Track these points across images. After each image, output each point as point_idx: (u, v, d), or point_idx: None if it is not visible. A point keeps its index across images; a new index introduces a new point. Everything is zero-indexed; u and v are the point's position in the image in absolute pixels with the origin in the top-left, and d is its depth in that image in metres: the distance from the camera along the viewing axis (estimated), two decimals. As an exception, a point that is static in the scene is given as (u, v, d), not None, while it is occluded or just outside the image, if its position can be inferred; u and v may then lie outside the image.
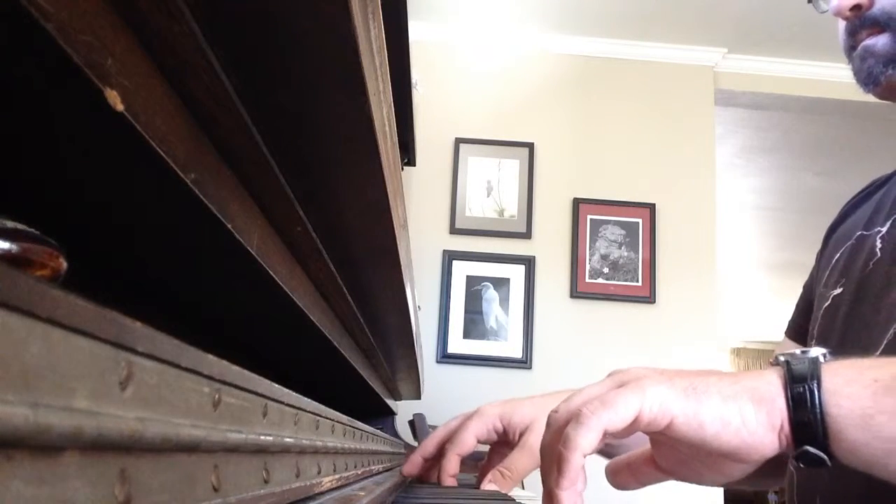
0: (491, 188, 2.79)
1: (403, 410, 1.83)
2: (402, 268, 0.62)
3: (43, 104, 0.24)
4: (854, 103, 2.88)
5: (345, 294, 0.64)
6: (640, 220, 2.76)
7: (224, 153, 0.35)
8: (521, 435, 0.83)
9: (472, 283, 2.69)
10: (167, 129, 0.27)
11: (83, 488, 0.14)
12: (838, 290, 0.72)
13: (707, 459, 0.47)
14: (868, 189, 0.82)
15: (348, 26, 0.27)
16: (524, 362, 2.63)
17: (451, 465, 0.83)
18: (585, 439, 0.44)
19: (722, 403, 0.44)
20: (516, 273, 2.70)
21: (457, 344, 2.65)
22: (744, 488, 0.86)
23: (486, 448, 0.92)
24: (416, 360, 1.22)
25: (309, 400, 0.41)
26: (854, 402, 0.43)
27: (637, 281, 2.71)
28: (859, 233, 0.74)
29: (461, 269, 2.70)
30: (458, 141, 2.82)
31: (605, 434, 0.45)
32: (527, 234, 2.75)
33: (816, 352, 0.46)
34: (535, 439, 0.82)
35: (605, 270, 2.72)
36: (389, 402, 1.52)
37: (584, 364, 2.60)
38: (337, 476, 0.49)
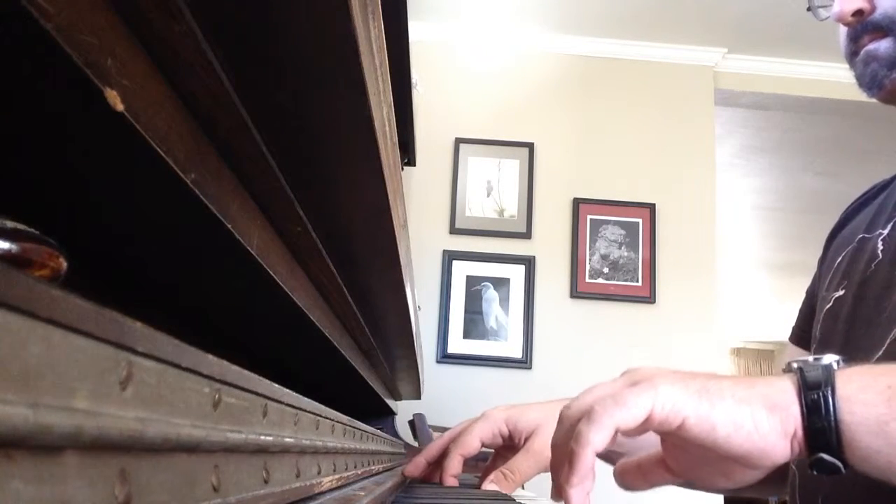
0: (491, 188, 2.79)
1: (403, 410, 1.83)
2: (402, 268, 0.62)
3: (43, 104, 0.24)
4: (854, 103, 2.88)
5: (345, 294, 0.64)
6: (640, 220, 2.76)
7: (224, 153, 0.35)
8: (526, 439, 0.83)
9: (472, 283, 2.69)
10: (167, 129, 0.27)
11: (83, 488, 0.14)
12: (840, 293, 0.72)
13: (717, 463, 0.47)
14: (869, 193, 0.82)
15: (348, 26, 0.27)
16: (524, 362, 2.63)
17: (454, 464, 0.83)
18: (598, 436, 0.44)
19: (735, 407, 0.44)
20: (516, 273, 2.70)
21: (457, 344, 2.65)
22: (747, 496, 0.86)
23: (492, 451, 0.92)
24: (416, 360, 1.22)
25: (309, 400, 0.41)
26: (868, 409, 0.43)
27: (637, 281, 2.71)
28: (861, 236, 0.74)
29: (461, 269, 2.70)
30: (458, 141, 2.82)
31: (617, 432, 0.45)
32: (527, 234, 2.75)
33: (830, 359, 0.46)
34: (539, 444, 0.82)
35: (605, 270, 2.72)
36: (389, 402, 1.52)
37: (584, 364, 2.60)
38: (337, 476, 0.49)
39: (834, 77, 2.90)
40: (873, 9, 0.69)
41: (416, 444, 1.73)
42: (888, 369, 0.45)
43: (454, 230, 2.74)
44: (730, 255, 5.43)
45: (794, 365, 0.46)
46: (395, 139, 0.46)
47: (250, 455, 0.27)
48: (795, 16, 2.59)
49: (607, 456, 0.76)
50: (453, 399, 2.57)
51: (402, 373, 1.35)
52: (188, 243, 0.39)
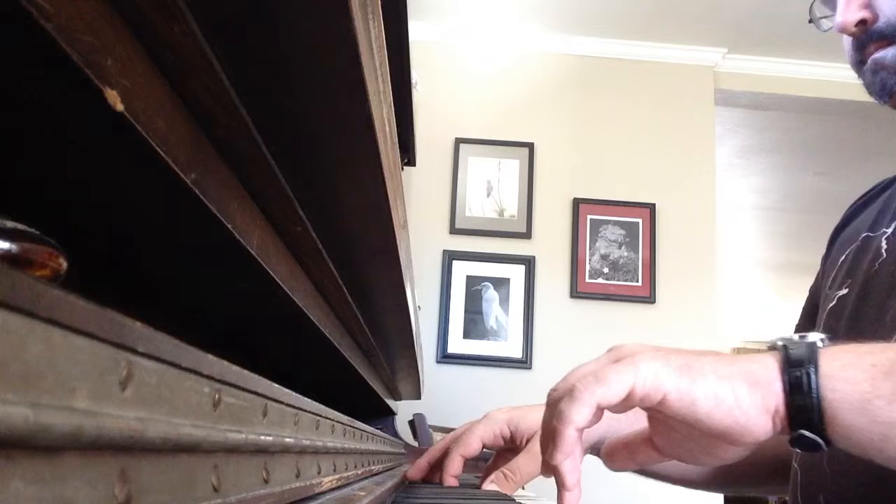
0: (491, 188, 2.79)
1: (403, 410, 1.83)
2: (402, 268, 0.62)
3: (43, 104, 0.24)
4: (854, 103, 2.88)
5: (345, 294, 0.64)
6: (640, 220, 2.76)
7: (224, 153, 0.35)
8: (527, 441, 0.83)
9: (472, 283, 2.69)
10: (167, 129, 0.27)
11: (83, 488, 0.14)
12: (843, 291, 0.72)
13: (701, 440, 0.47)
14: (872, 192, 0.82)
15: (348, 26, 0.27)
16: (524, 362, 2.63)
17: (454, 465, 0.83)
18: (579, 414, 0.45)
19: (716, 382, 0.44)
20: (516, 273, 2.70)
21: (457, 344, 2.65)
22: (749, 495, 0.86)
23: (493, 452, 0.92)
24: (416, 360, 1.22)
25: (309, 400, 0.41)
26: (851, 387, 0.43)
27: (637, 281, 2.71)
28: (865, 234, 0.74)
29: (461, 269, 2.70)
30: (458, 141, 2.82)
31: (599, 408, 0.45)
32: (527, 234, 2.75)
33: (814, 336, 0.46)
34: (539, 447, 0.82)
35: (605, 270, 2.72)
36: (389, 402, 1.52)
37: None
38: (337, 476, 0.49)
39: (834, 77, 2.90)
40: (876, 18, 0.69)
41: (416, 444, 1.73)
42: (872, 348, 0.45)
43: (454, 230, 2.74)
44: (730, 255, 5.43)
45: (779, 342, 0.46)
46: (395, 139, 0.46)
47: (250, 455, 0.27)
48: (795, 16, 2.59)
49: (648, 471, 0.77)
50: (453, 399, 2.57)
51: (402, 373, 1.35)
52: (188, 243, 0.39)
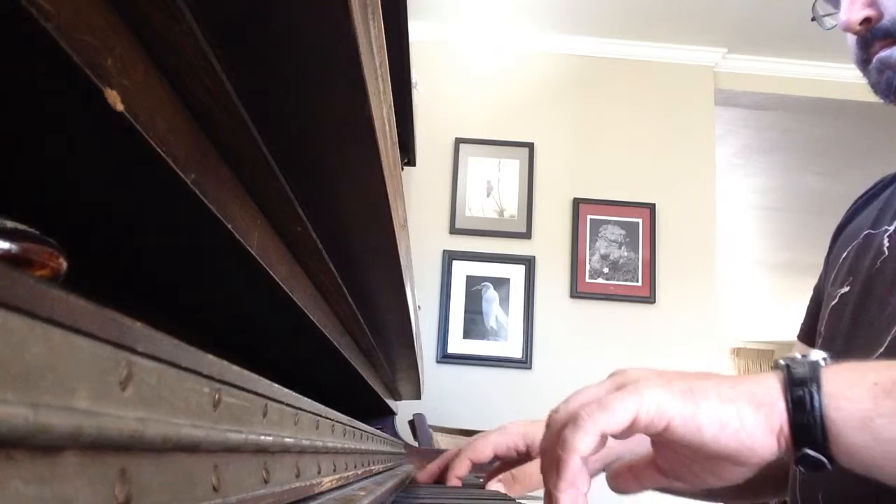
0: (491, 188, 2.79)
1: (403, 410, 1.83)
2: (402, 268, 0.62)
3: (43, 104, 0.24)
4: (854, 103, 2.88)
5: (345, 294, 0.64)
6: (640, 220, 2.76)
7: (224, 153, 0.35)
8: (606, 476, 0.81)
9: (472, 283, 2.69)
10: (167, 129, 0.27)
11: (83, 488, 0.14)
12: (845, 289, 0.72)
13: (707, 462, 0.47)
14: (874, 189, 0.82)
15: (348, 26, 0.27)
16: (524, 362, 2.63)
17: (461, 466, 0.83)
18: (583, 442, 0.45)
19: (720, 406, 0.44)
20: (516, 273, 2.70)
21: (457, 344, 2.65)
22: (746, 502, 0.86)
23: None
24: (416, 360, 1.22)
25: (309, 400, 0.41)
26: (854, 405, 0.43)
27: (637, 281, 2.71)
28: (867, 232, 0.74)
29: (461, 269, 2.70)
30: (458, 141, 2.82)
31: (603, 436, 0.45)
32: (527, 234, 2.75)
33: (817, 355, 0.46)
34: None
35: (605, 270, 2.72)
36: (389, 402, 1.52)
37: (584, 364, 2.60)
38: (337, 476, 0.49)
39: (834, 77, 2.90)
40: (881, 16, 0.68)
41: (416, 444, 1.73)
42: (875, 366, 0.45)
43: (454, 230, 2.74)
44: (730, 255, 5.43)
45: (782, 361, 0.47)
46: (395, 139, 0.46)
47: (250, 455, 0.27)
48: (795, 16, 2.59)
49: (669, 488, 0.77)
50: (453, 399, 2.57)
51: (402, 373, 1.35)
52: (188, 243, 0.39)
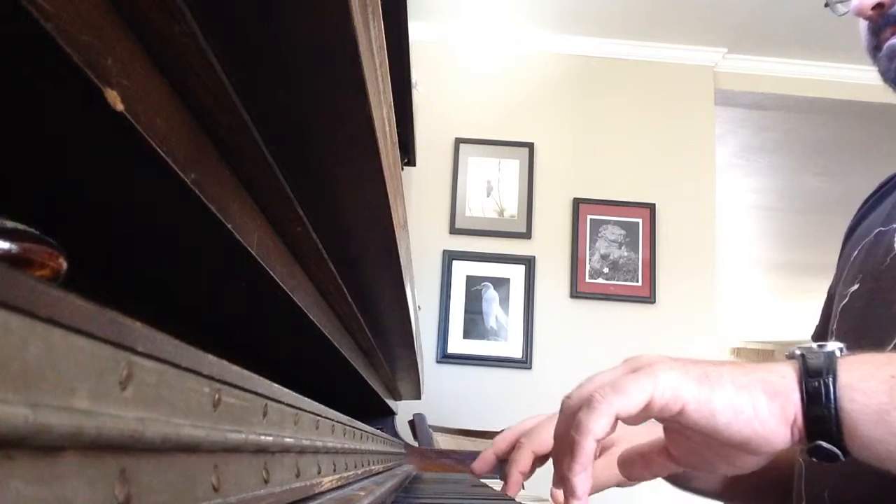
0: (491, 188, 2.79)
1: (403, 410, 1.83)
2: (402, 268, 0.62)
3: (43, 104, 0.24)
4: (854, 103, 2.88)
5: (345, 294, 0.64)
6: (640, 220, 2.76)
7: (224, 153, 0.35)
8: (604, 448, 0.76)
9: (472, 283, 2.69)
10: (167, 129, 0.27)
11: (83, 488, 0.14)
12: (855, 287, 0.71)
13: (719, 449, 0.47)
14: (886, 187, 0.81)
15: (348, 26, 0.27)
16: (524, 362, 2.63)
17: (525, 460, 0.74)
18: (597, 424, 0.44)
19: (735, 393, 0.44)
20: (516, 273, 2.70)
21: (457, 344, 2.65)
22: None
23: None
24: (416, 360, 1.22)
25: (309, 400, 0.41)
26: (870, 398, 0.43)
27: (637, 281, 2.71)
28: (878, 230, 0.73)
29: (461, 269, 2.70)
30: (458, 141, 2.82)
31: (618, 419, 0.45)
32: (527, 234, 2.75)
33: (833, 346, 0.46)
34: (615, 452, 0.75)
35: (605, 270, 2.72)
36: (389, 402, 1.52)
37: (584, 364, 2.59)
38: (337, 476, 0.49)
39: (834, 77, 2.90)
40: (893, 1, 0.68)
41: (416, 443, 1.73)
42: (892, 358, 0.45)
43: (454, 230, 2.74)
44: (730, 255, 5.43)
45: (797, 351, 0.46)
46: (395, 139, 0.46)
47: (250, 455, 0.27)
48: (796, 16, 2.59)
49: (674, 478, 0.75)
50: (453, 399, 2.57)
51: (402, 373, 1.35)
52: (188, 243, 0.39)
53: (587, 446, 0.44)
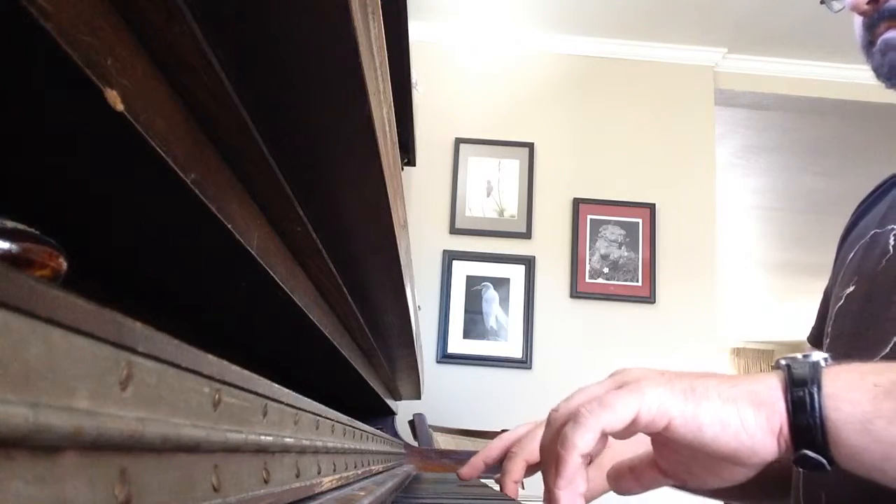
0: (491, 188, 2.79)
1: (403, 410, 1.83)
2: (402, 268, 0.62)
3: (43, 104, 0.24)
4: (854, 103, 2.88)
5: (345, 294, 0.64)
6: (640, 220, 2.76)
7: (224, 153, 0.35)
8: (607, 476, 0.77)
9: (472, 283, 2.69)
10: (167, 128, 0.27)
11: (83, 488, 0.14)
12: (851, 289, 0.71)
13: (707, 462, 0.47)
14: (881, 189, 0.81)
15: (348, 26, 0.27)
16: (524, 362, 2.63)
17: (517, 469, 0.76)
18: (583, 440, 0.45)
19: (721, 406, 0.44)
20: (516, 273, 2.70)
21: (457, 344, 2.65)
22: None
23: None
24: (416, 360, 1.22)
25: (309, 400, 0.41)
26: (854, 407, 0.43)
27: (637, 281, 2.71)
28: (874, 231, 0.73)
29: (461, 269, 2.70)
30: (458, 141, 2.82)
31: (604, 434, 0.45)
32: (527, 234, 2.75)
33: (817, 356, 0.46)
34: (607, 461, 0.76)
35: (605, 270, 2.72)
36: (389, 402, 1.52)
37: (584, 364, 2.60)
38: (337, 476, 0.49)
39: (834, 77, 2.90)
40: None
41: (416, 444, 1.73)
42: (876, 368, 0.45)
43: (454, 230, 2.74)
44: (730, 255, 5.43)
45: (783, 362, 0.46)
46: (395, 139, 0.46)
47: (250, 455, 0.27)
48: (795, 16, 2.59)
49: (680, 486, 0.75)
50: (453, 399, 2.57)
51: (402, 373, 1.35)
52: (188, 243, 0.39)
53: (572, 461, 0.45)
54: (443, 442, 1.91)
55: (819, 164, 3.84)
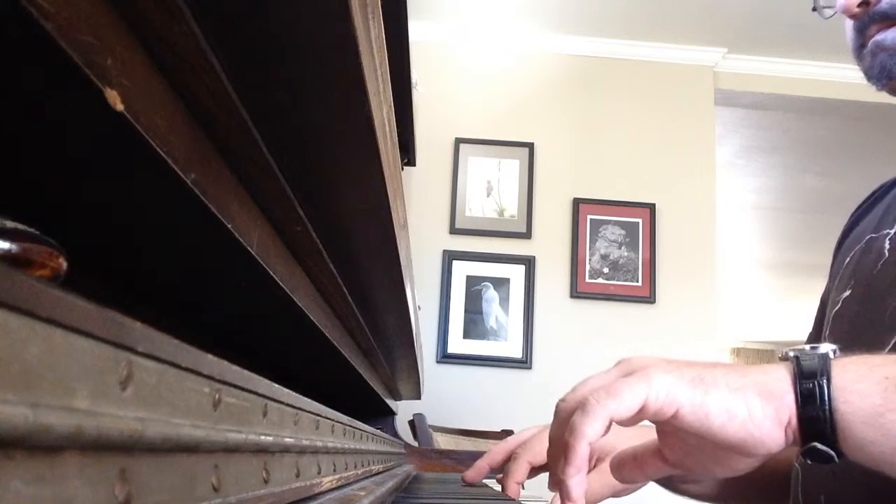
0: (491, 188, 2.79)
1: (403, 410, 1.83)
2: (402, 268, 0.62)
3: (43, 104, 0.24)
4: (854, 103, 2.88)
5: (345, 294, 0.64)
6: (640, 220, 2.76)
7: (224, 153, 0.35)
8: (599, 459, 0.76)
9: (472, 283, 2.69)
10: (167, 128, 0.27)
11: (83, 488, 0.14)
12: (847, 293, 0.72)
13: (713, 451, 0.47)
14: (877, 193, 0.82)
15: (348, 26, 0.27)
16: (524, 362, 2.63)
17: (521, 471, 0.77)
18: (591, 428, 0.44)
19: (729, 395, 0.44)
20: (516, 273, 2.70)
21: (457, 344, 2.65)
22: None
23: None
24: (416, 360, 1.22)
25: (309, 400, 0.41)
26: (864, 399, 0.43)
27: (637, 281, 2.71)
28: (869, 236, 0.73)
29: (461, 269, 2.70)
30: (458, 141, 2.82)
31: (611, 422, 0.45)
32: (527, 234, 2.75)
33: (826, 348, 0.46)
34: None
35: (605, 270, 2.72)
36: (389, 402, 1.52)
37: (584, 364, 2.60)
38: (337, 476, 0.49)
39: (834, 77, 2.90)
40: None
41: (416, 443, 1.73)
42: (885, 360, 0.45)
43: (454, 230, 2.74)
44: (730, 255, 5.43)
45: (791, 353, 0.46)
46: (395, 139, 0.46)
47: (250, 455, 0.27)
48: (795, 16, 2.59)
49: (671, 484, 0.75)
50: (453, 399, 2.57)
51: (402, 373, 1.35)
52: (188, 243, 0.39)
53: (581, 450, 0.45)
54: (443, 442, 1.92)
55: (819, 164, 3.84)
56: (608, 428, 0.45)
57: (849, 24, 0.73)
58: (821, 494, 0.65)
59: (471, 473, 0.86)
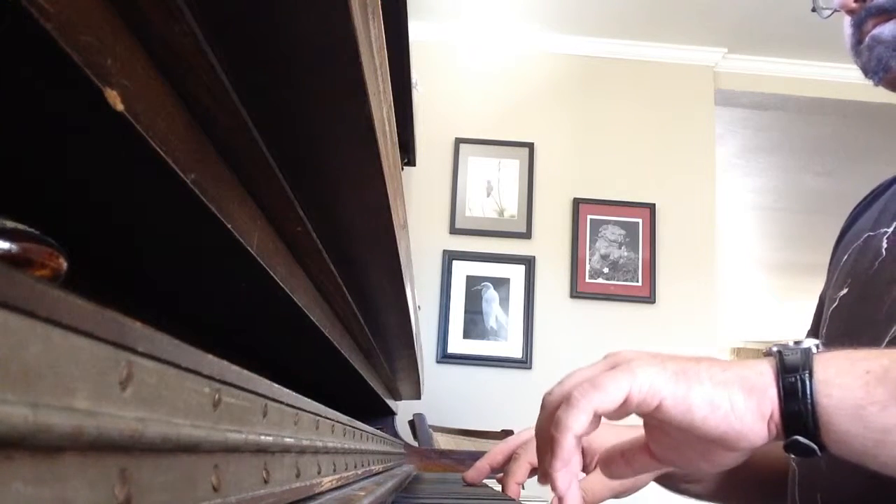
0: (491, 188, 2.79)
1: (403, 410, 1.83)
2: (402, 268, 0.62)
3: (43, 104, 0.24)
4: (854, 103, 2.88)
5: (345, 294, 0.64)
6: (640, 220, 2.76)
7: (224, 153, 0.35)
8: (598, 461, 0.78)
9: (472, 283, 2.69)
10: (167, 129, 0.27)
11: (83, 488, 0.14)
12: (844, 291, 0.72)
13: (697, 445, 0.47)
14: (875, 192, 0.82)
15: (348, 26, 0.27)
16: (524, 362, 2.63)
17: (521, 472, 0.77)
18: (577, 421, 0.45)
19: (712, 388, 0.45)
20: (516, 273, 2.70)
21: (457, 344, 2.65)
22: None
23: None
24: (416, 360, 1.22)
25: (309, 400, 0.41)
26: (846, 393, 0.43)
27: (637, 281, 2.71)
28: (867, 234, 0.74)
29: (461, 269, 2.70)
30: (458, 141, 2.82)
31: (596, 415, 0.46)
32: (527, 234, 2.75)
33: (809, 342, 0.46)
34: None
35: (605, 270, 2.72)
36: (389, 402, 1.52)
37: (583, 364, 2.59)
38: (337, 476, 0.49)
39: (834, 77, 2.90)
40: None
41: (416, 444, 1.73)
42: (867, 354, 0.45)
43: (454, 230, 2.74)
44: (730, 255, 5.43)
45: (774, 348, 0.47)
46: (395, 139, 0.46)
47: (250, 455, 0.27)
48: (795, 16, 2.59)
49: (673, 484, 0.75)
50: (453, 399, 2.57)
51: (402, 373, 1.35)
52: (188, 243, 0.39)
53: (566, 443, 0.45)
54: (443, 442, 1.91)
55: (819, 164, 3.84)
56: (596, 422, 0.46)
57: (846, 22, 0.73)
58: (817, 493, 0.65)
59: (471, 473, 0.86)
